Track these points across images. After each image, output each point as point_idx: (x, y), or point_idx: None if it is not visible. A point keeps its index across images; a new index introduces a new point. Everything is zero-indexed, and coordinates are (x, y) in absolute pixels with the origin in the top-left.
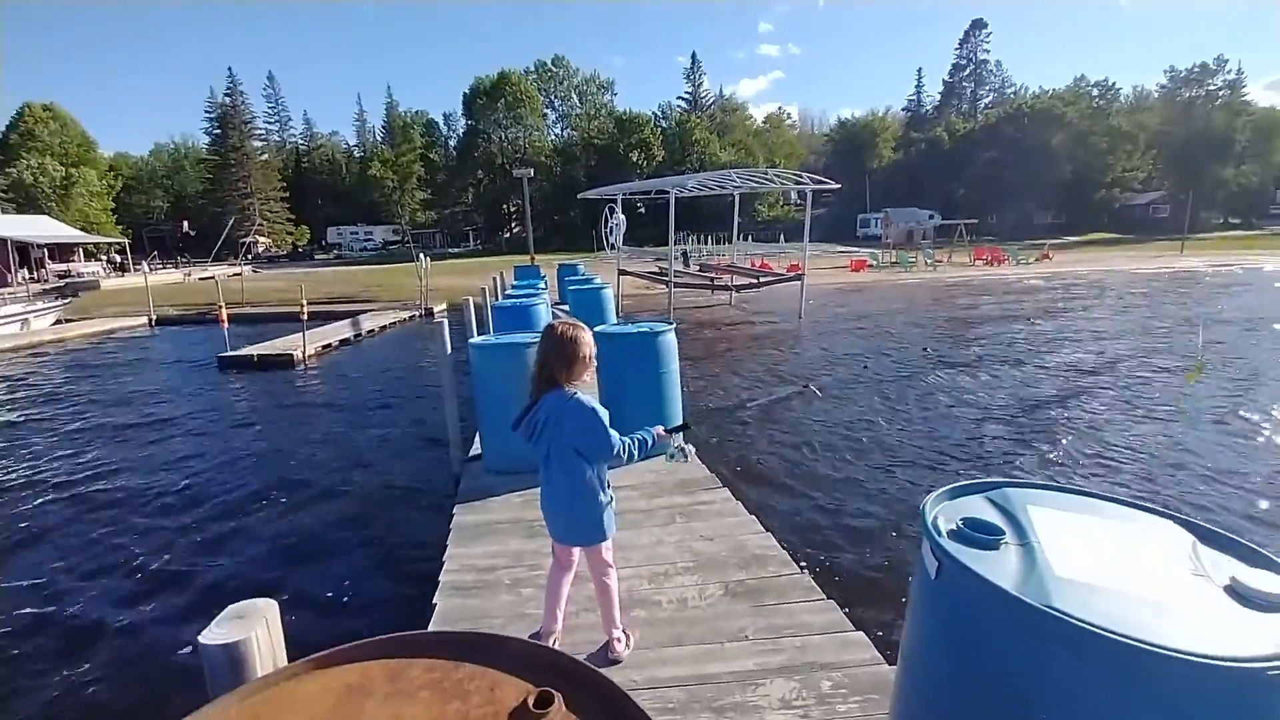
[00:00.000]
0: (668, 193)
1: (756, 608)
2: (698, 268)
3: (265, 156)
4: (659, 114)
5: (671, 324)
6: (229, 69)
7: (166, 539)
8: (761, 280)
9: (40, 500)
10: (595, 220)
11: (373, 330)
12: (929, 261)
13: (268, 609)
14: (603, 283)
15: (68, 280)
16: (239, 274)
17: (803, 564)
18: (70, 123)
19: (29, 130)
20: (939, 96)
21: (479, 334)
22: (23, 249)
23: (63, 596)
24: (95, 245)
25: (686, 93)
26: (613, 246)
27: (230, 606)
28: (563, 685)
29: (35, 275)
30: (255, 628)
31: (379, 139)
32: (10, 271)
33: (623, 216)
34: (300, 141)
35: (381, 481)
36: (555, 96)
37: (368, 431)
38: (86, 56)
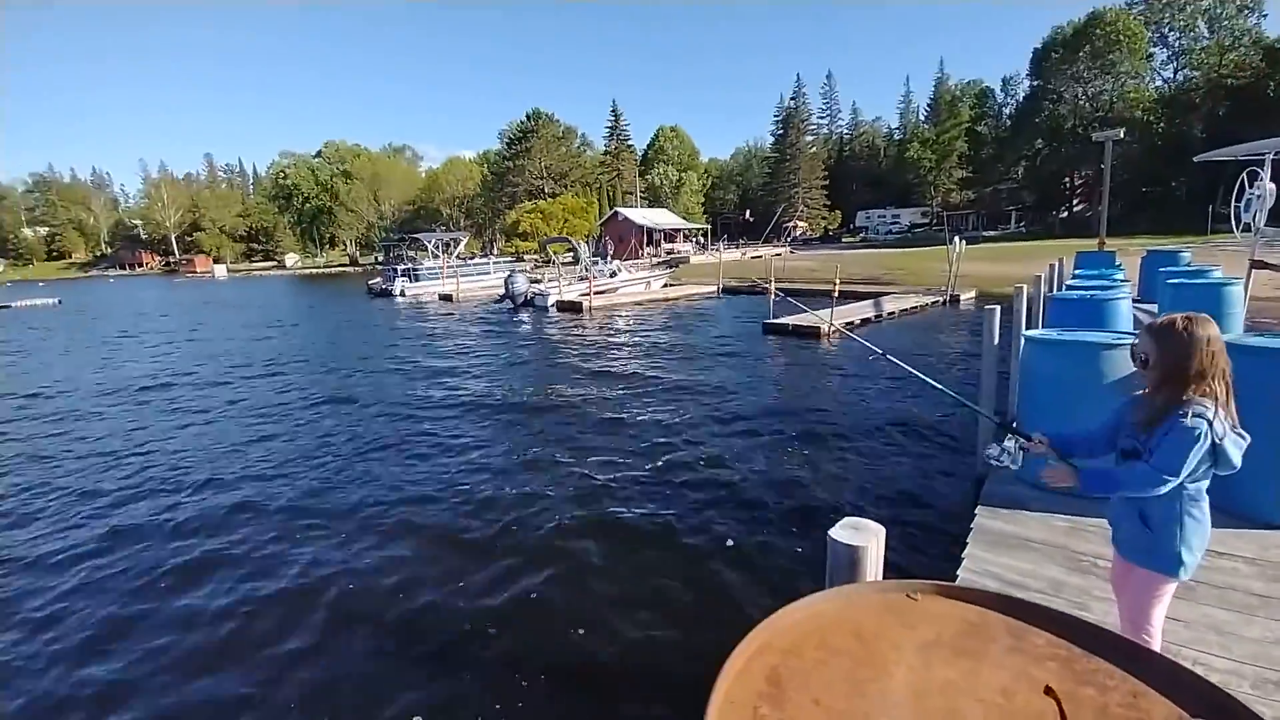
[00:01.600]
0: None
1: None
2: None
3: (814, 149)
4: None
5: None
6: (797, 75)
7: (743, 440)
8: None
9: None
10: (1212, 192)
11: (893, 312)
12: None
13: (878, 530)
14: (1227, 277)
15: (672, 255)
16: (779, 254)
17: None
18: (684, 138)
19: (660, 147)
20: None
21: (1030, 327)
22: (649, 232)
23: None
24: (689, 230)
25: None
26: (1247, 228)
27: (847, 518)
28: None
29: (655, 251)
30: (869, 541)
31: (921, 118)
32: (641, 248)
33: (1272, 185)
34: (845, 131)
35: (892, 459)
36: (1170, 29)
37: (880, 407)
38: (698, 79)
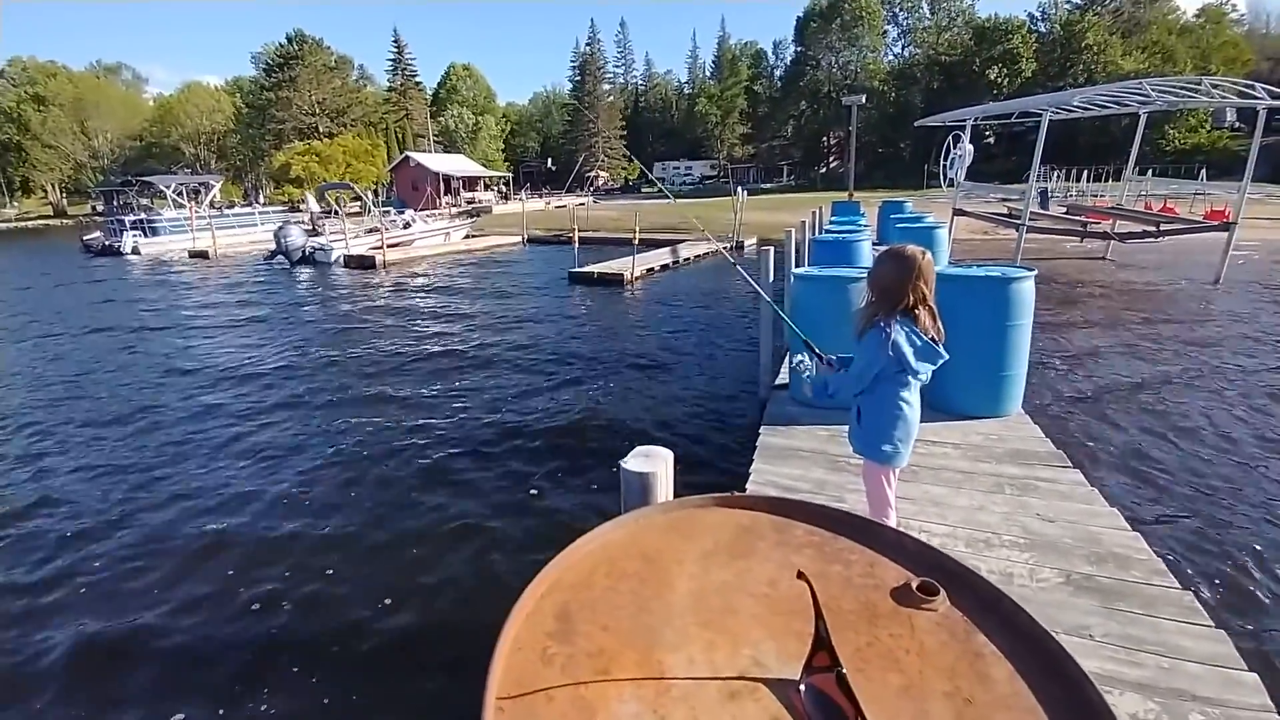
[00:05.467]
0: (1033, 115)
1: (1108, 609)
2: (1064, 210)
3: (611, 99)
4: (1035, 16)
5: (1031, 271)
6: (590, 20)
7: (551, 388)
8: (1162, 228)
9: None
10: (927, 153)
11: (689, 259)
12: None
13: (666, 455)
14: (936, 221)
15: (473, 205)
16: (583, 204)
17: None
18: (479, 78)
19: (453, 86)
20: None
21: (798, 266)
22: (446, 180)
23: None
24: (490, 178)
25: None
26: (951, 182)
27: (639, 448)
28: (944, 580)
29: (454, 200)
30: (658, 466)
31: (708, 74)
32: (439, 197)
33: (970, 146)
34: (640, 82)
35: (690, 392)
36: (900, 9)
37: (678, 345)
38: (489, 15)
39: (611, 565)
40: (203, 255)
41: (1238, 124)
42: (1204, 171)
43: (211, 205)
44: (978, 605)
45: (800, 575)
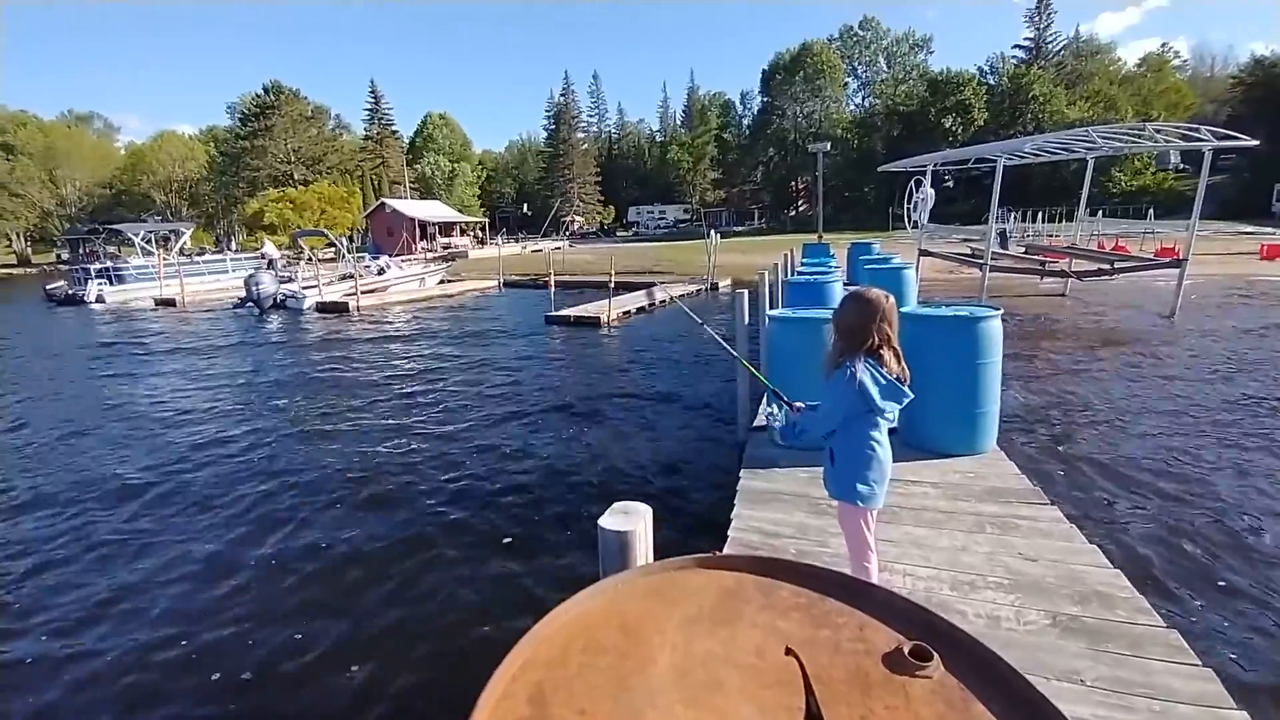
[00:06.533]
0: (989, 161)
1: (1096, 651)
2: (1022, 250)
3: (585, 146)
4: (985, 69)
5: (998, 310)
6: (565, 72)
7: (528, 434)
8: (1116, 266)
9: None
10: (891, 196)
11: (664, 301)
12: None
13: (645, 512)
14: (903, 262)
15: (449, 250)
16: (559, 248)
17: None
18: (456, 127)
19: (430, 135)
20: None
21: (772, 308)
22: (422, 225)
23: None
24: (466, 224)
25: (1026, 39)
26: (915, 224)
27: (616, 504)
28: (936, 643)
29: (429, 245)
30: (637, 524)
31: (678, 123)
32: (414, 242)
33: (931, 190)
34: (613, 131)
35: (669, 435)
36: (859, 63)
37: (654, 388)
38: (466, 69)
39: (589, 638)
40: (170, 303)
41: (1182, 165)
42: (1151, 211)
43: (181, 252)
44: (972, 669)
45: (789, 651)
